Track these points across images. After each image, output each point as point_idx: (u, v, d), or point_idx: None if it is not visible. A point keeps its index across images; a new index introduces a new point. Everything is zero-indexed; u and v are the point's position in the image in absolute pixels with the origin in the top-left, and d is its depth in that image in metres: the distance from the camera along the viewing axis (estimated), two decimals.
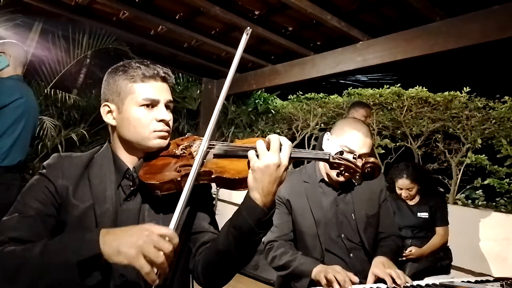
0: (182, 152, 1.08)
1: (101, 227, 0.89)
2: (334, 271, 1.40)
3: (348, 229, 1.69)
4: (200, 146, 1.01)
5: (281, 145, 0.92)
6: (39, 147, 4.15)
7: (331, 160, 1.00)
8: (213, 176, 0.97)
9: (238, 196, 4.48)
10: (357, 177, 1.01)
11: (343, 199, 1.73)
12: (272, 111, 6.77)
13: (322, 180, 1.75)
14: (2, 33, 3.43)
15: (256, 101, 6.85)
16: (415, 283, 1.46)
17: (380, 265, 1.52)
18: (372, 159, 1.03)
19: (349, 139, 1.62)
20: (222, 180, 0.96)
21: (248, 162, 0.93)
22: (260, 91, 6.79)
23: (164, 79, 1.09)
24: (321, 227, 1.67)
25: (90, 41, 4.24)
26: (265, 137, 0.95)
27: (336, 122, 1.81)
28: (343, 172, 1.02)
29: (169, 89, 1.11)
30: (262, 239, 1.72)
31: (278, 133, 6.58)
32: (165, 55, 3.93)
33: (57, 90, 4.23)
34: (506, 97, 4.15)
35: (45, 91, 4.23)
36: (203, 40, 3.39)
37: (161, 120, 1.05)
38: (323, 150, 1.74)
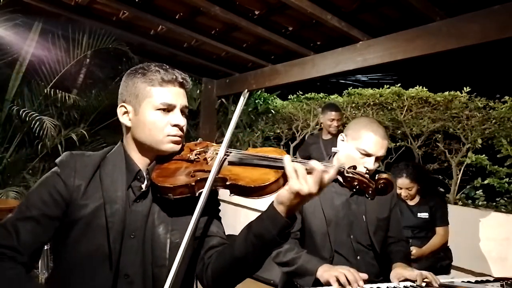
0: (196, 157, 1.09)
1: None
2: (344, 271, 1.38)
3: (358, 230, 1.68)
4: (215, 152, 1.05)
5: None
6: (39, 147, 4.15)
7: (345, 174, 1.00)
8: (227, 183, 0.98)
9: (237, 197, 4.43)
10: (370, 192, 1.02)
11: (355, 200, 1.71)
12: (272, 111, 6.78)
13: (336, 180, 1.73)
14: (2, 33, 3.43)
15: (256, 101, 6.86)
16: (415, 284, 1.47)
17: (408, 269, 1.56)
18: (385, 175, 1.05)
19: (366, 142, 1.58)
20: (237, 187, 0.98)
21: (266, 172, 0.96)
22: (260, 91, 6.79)
23: (181, 85, 1.10)
24: (331, 227, 1.66)
25: (90, 41, 4.25)
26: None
27: (350, 123, 1.78)
28: (357, 187, 1.02)
29: (186, 94, 1.13)
30: None
31: (278, 133, 6.60)
32: (165, 55, 3.93)
33: (57, 90, 4.24)
34: (506, 97, 4.14)
35: (45, 91, 4.24)
36: (203, 40, 3.39)
37: (175, 125, 1.07)
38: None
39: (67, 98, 4.26)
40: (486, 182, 4.37)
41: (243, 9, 2.84)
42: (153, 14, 2.97)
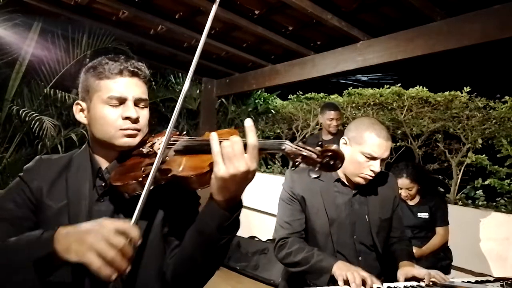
0: (148, 150, 1.03)
1: (60, 225, 0.84)
2: (360, 273, 1.37)
3: (361, 230, 1.67)
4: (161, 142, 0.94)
5: (245, 146, 0.80)
6: (39, 147, 4.15)
7: (287, 150, 0.86)
8: (169, 175, 0.89)
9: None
10: (317, 169, 0.87)
11: (358, 200, 1.70)
12: (272, 111, 6.78)
13: (338, 180, 1.71)
14: (2, 33, 3.42)
15: (256, 101, 6.85)
16: (415, 283, 1.46)
17: (416, 267, 1.55)
18: (333, 147, 0.86)
19: (370, 146, 1.55)
20: (179, 179, 0.87)
21: (206, 158, 0.85)
22: (260, 91, 6.79)
23: (133, 74, 1.03)
24: (334, 227, 1.64)
25: (90, 41, 4.24)
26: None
27: (350, 124, 1.71)
28: (299, 163, 0.89)
29: (142, 84, 1.06)
30: (273, 236, 1.71)
31: (278, 133, 6.60)
32: (165, 55, 3.92)
33: (57, 90, 4.22)
34: (507, 97, 4.14)
35: (45, 91, 4.22)
36: None
37: (127, 118, 1.01)
38: None
39: (67, 98, 4.25)
40: (487, 182, 4.37)
41: (243, 9, 2.83)
42: (153, 14, 2.97)
